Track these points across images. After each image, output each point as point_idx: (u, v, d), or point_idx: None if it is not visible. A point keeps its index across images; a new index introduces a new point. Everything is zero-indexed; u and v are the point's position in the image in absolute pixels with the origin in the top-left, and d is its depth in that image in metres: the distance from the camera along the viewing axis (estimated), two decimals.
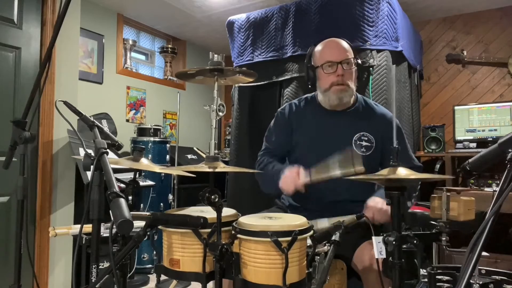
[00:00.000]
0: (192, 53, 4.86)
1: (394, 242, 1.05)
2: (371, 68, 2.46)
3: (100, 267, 1.26)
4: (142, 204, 3.33)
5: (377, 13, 2.48)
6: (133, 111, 4.15)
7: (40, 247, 2.39)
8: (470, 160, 1.02)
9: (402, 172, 1.09)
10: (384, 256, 1.17)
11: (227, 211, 1.30)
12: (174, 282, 2.73)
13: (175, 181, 3.40)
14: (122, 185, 1.41)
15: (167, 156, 3.67)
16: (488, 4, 3.52)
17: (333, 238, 1.20)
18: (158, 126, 3.76)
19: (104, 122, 3.54)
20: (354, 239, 1.49)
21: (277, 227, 1.13)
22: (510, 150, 0.87)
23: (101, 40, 3.81)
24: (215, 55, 1.40)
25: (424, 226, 1.23)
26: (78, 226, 1.50)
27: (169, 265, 1.24)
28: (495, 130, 3.16)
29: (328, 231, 1.23)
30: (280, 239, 1.09)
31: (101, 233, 1.09)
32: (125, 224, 0.84)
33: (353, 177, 1.20)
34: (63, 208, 2.51)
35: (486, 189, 2.70)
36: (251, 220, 1.19)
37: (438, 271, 1.25)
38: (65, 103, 1.56)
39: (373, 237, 1.22)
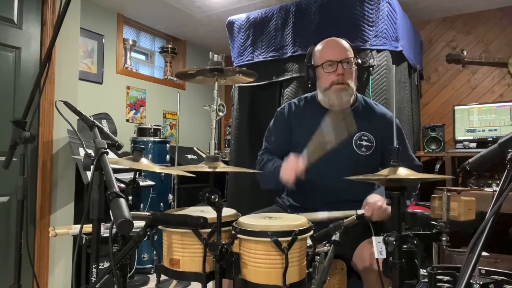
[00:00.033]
0: (192, 53, 4.86)
1: (394, 242, 1.05)
2: (371, 68, 2.46)
3: (100, 267, 1.26)
4: (142, 204, 3.33)
5: (377, 13, 2.48)
6: (133, 111, 4.15)
7: (40, 247, 2.39)
8: (470, 160, 1.02)
9: (402, 172, 1.09)
10: (384, 256, 1.17)
11: (227, 211, 1.30)
12: (174, 282, 2.73)
13: (175, 181, 3.40)
14: (122, 185, 1.41)
15: (167, 156, 3.67)
16: (488, 4, 3.52)
17: (333, 238, 1.20)
18: (158, 126, 3.76)
19: (104, 122, 3.54)
20: (354, 238, 1.49)
21: (277, 227, 1.13)
22: (510, 150, 0.87)
23: (101, 40, 3.81)
24: (215, 55, 1.40)
25: (424, 226, 1.23)
26: (78, 226, 1.50)
27: (169, 265, 1.24)
28: (495, 130, 3.16)
29: (328, 231, 1.23)
30: (280, 239, 1.09)
31: (101, 233, 1.09)
32: (125, 224, 0.84)
33: (353, 178, 1.20)
34: (63, 208, 2.51)
35: (486, 189, 2.70)
36: (251, 220, 1.19)
37: (438, 271, 1.25)
38: (65, 103, 1.56)
39: (373, 237, 1.22)
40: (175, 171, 1.99)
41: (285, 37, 2.83)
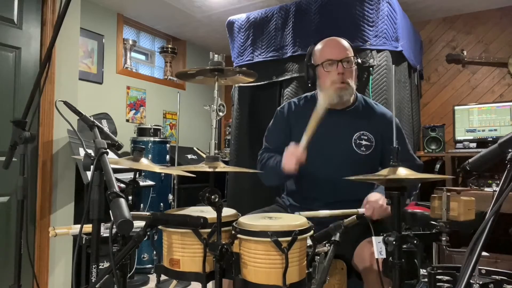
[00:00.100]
0: (192, 53, 4.86)
1: (394, 242, 1.05)
2: (371, 68, 2.46)
3: (100, 267, 1.26)
4: (142, 204, 3.33)
5: (377, 13, 2.48)
6: (133, 111, 4.15)
7: (40, 247, 2.39)
8: (470, 160, 1.02)
9: (402, 172, 1.09)
10: (384, 256, 1.17)
11: (227, 211, 1.30)
12: (174, 282, 2.73)
13: (175, 181, 3.40)
14: (122, 185, 1.41)
15: (167, 156, 3.67)
16: (488, 4, 3.52)
17: (333, 238, 1.20)
18: (158, 126, 3.76)
19: (104, 122, 3.54)
20: (354, 238, 1.49)
21: (277, 227, 1.13)
22: (510, 150, 0.87)
23: (101, 40, 3.81)
24: (215, 55, 1.40)
25: (424, 226, 1.23)
26: (78, 226, 1.50)
27: (169, 265, 1.24)
28: (495, 130, 3.16)
29: (328, 231, 1.23)
30: (280, 239, 1.09)
31: (101, 233, 1.09)
32: (125, 224, 0.84)
33: (353, 178, 1.20)
34: (63, 208, 2.51)
35: (486, 189, 2.70)
36: (251, 220, 1.19)
37: (438, 271, 1.25)
38: (65, 103, 1.56)
39: (373, 237, 1.22)
40: (175, 171, 1.99)
41: (285, 37, 2.83)
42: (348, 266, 1.51)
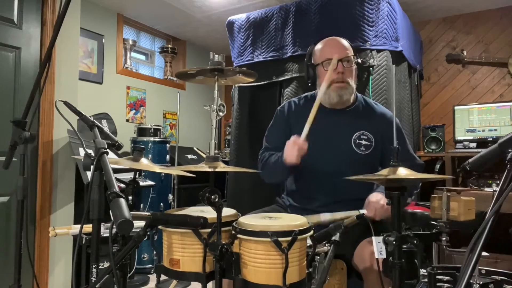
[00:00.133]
0: (192, 53, 4.86)
1: (394, 242, 1.05)
2: (371, 68, 2.46)
3: (100, 267, 1.26)
4: (142, 204, 3.33)
5: (377, 13, 2.48)
6: (133, 111, 4.14)
7: (40, 247, 2.39)
8: (470, 160, 1.02)
9: (402, 172, 1.09)
10: (384, 256, 1.17)
11: (227, 211, 1.30)
12: (174, 282, 2.73)
13: (175, 181, 3.40)
14: (122, 185, 1.41)
15: (167, 156, 3.67)
16: (488, 4, 3.52)
17: (333, 238, 1.20)
18: (158, 126, 3.76)
19: (104, 122, 3.54)
20: (354, 238, 1.49)
21: (277, 227, 1.13)
22: (510, 150, 0.87)
23: (101, 40, 3.81)
24: (215, 55, 1.40)
25: (424, 226, 1.23)
26: (78, 226, 1.50)
27: (169, 265, 1.24)
28: (495, 130, 3.16)
29: (328, 231, 1.23)
30: (280, 239, 1.09)
31: (101, 233, 1.09)
32: (125, 224, 0.84)
33: (353, 178, 1.20)
34: (63, 208, 2.51)
35: (486, 189, 2.70)
36: (251, 220, 1.19)
37: (438, 271, 1.25)
38: (65, 103, 1.56)
39: (373, 237, 1.22)
40: (175, 171, 1.99)
41: (285, 37, 2.83)
42: (348, 266, 1.51)
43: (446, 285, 1.23)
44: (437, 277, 1.24)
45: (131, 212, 0.88)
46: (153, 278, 3.15)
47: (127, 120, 4.06)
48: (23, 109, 1.41)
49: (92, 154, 1.12)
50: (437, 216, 1.14)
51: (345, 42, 1.75)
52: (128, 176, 1.70)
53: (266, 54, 2.91)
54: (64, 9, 1.30)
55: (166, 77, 4.62)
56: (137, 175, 1.53)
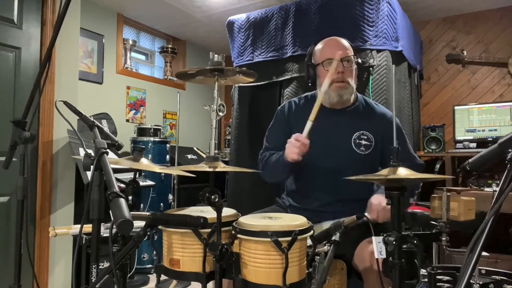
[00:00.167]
0: (192, 53, 4.86)
1: (394, 242, 1.05)
2: (371, 68, 2.46)
3: (100, 267, 1.26)
4: (142, 204, 3.33)
5: (377, 13, 2.48)
6: (133, 111, 4.14)
7: (40, 247, 2.39)
8: (470, 160, 1.02)
9: (402, 172, 1.09)
10: (384, 256, 1.17)
11: (227, 211, 1.30)
12: (174, 282, 2.73)
13: (175, 181, 3.40)
14: (122, 185, 1.41)
15: (167, 156, 3.67)
16: (488, 4, 3.52)
17: (333, 238, 1.20)
18: (158, 126, 3.76)
19: (104, 122, 3.54)
20: (354, 238, 1.49)
21: (277, 227, 1.13)
22: (510, 150, 0.87)
23: (101, 40, 3.81)
24: (215, 55, 1.40)
25: (424, 226, 1.23)
26: (78, 226, 1.50)
27: (169, 265, 1.24)
28: (495, 130, 3.16)
29: (328, 231, 1.23)
30: (280, 239, 1.09)
31: (101, 233, 1.09)
32: (125, 224, 0.84)
33: (353, 178, 1.20)
34: (63, 208, 2.51)
35: (486, 189, 2.70)
36: (251, 220, 1.19)
37: (438, 271, 1.25)
38: (65, 103, 1.56)
39: (373, 237, 1.22)
40: (175, 171, 1.99)
41: (285, 37, 2.83)
42: (348, 266, 1.51)
43: (446, 285, 1.23)
44: (437, 277, 1.24)
45: (131, 212, 0.88)
46: (153, 278, 3.15)
47: (127, 120, 4.06)
48: (23, 109, 1.41)
49: (92, 154, 1.12)
50: (437, 216, 1.14)
51: (345, 42, 1.75)
52: (128, 176, 1.70)
53: (266, 54, 2.91)
54: (64, 9, 1.30)
55: (166, 77, 4.62)
56: (137, 175, 1.53)
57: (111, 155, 1.20)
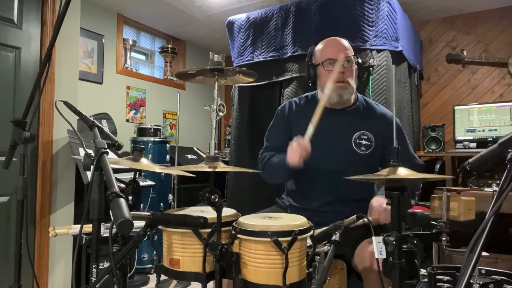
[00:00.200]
0: (192, 53, 4.86)
1: (394, 242, 1.05)
2: (371, 68, 2.46)
3: (100, 267, 1.26)
4: (142, 204, 3.33)
5: (377, 13, 2.48)
6: (133, 111, 4.14)
7: (40, 247, 2.39)
8: (470, 160, 1.02)
9: (402, 172, 1.09)
10: (384, 256, 1.17)
11: (227, 211, 1.30)
12: (174, 282, 2.73)
13: (175, 181, 3.40)
14: (122, 185, 1.41)
15: (167, 156, 3.67)
16: (488, 4, 3.52)
17: (333, 238, 1.20)
18: (158, 126, 3.76)
19: (104, 122, 3.54)
20: (354, 238, 1.49)
21: (277, 227, 1.13)
22: (510, 150, 0.87)
23: (101, 40, 3.81)
24: (215, 55, 1.40)
25: (424, 226, 1.23)
26: (78, 226, 1.50)
27: (169, 265, 1.24)
28: (495, 130, 3.16)
29: (328, 231, 1.23)
30: (280, 239, 1.09)
31: (101, 233, 1.09)
32: (125, 224, 0.84)
33: (353, 178, 1.20)
34: (63, 208, 2.51)
35: (486, 189, 2.70)
36: (251, 220, 1.19)
37: (438, 271, 1.25)
38: (65, 103, 1.56)
39: (373, 237, 1.22)
40: (175, 171, 1.99)
41: (285, 37, 2.83)
42: (348, 266, 1.51)
43: (446, 285, 1.23)
44: (437, 277, 1.24)
45: (131, 212, 0.88)
46: (153, 278, 3.15)
47: (127, 120, 4.06)
48: (23, 109, 1.41)
49: (92, 154, 1.12)
50: (437, 216, 1.14)
51: (345, 42, 1.75)
52: (128, 176, 1.70)
53: (266, 54, 2.91)
54: (64, 9, 1.30)
55: (166, 77, 4.62)
56: (137, 175, 1.53)
57: (111, 155, 1.20)
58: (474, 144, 3.20)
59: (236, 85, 2.99)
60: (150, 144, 3.56)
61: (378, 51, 2.49)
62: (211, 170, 1.15)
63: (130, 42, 4.13)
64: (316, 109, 1.54)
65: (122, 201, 0.89)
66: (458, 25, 3.73)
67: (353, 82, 1.72)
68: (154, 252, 3.29)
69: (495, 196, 0.79)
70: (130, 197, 1.43)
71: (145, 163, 1.40)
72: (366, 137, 1.71)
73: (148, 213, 1.13)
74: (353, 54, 1.73)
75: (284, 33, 2.84)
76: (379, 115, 1.78)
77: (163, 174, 3.50)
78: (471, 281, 1.11)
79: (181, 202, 3.52)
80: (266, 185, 1.94)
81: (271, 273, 1.11)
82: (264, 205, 1.82)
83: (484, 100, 3.53)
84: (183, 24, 4.24)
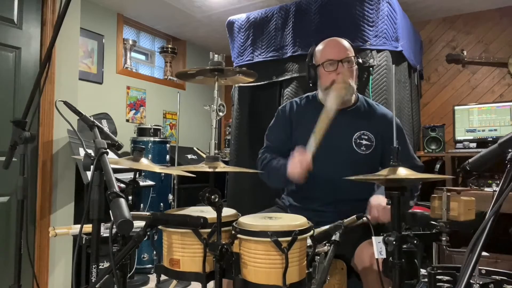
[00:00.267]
0: (192, 53, 4.86)
1: (394, 242, 1.05)
2: (371, 68, 2.46)
3: (100, 267, 1.26)
4: (142, 204, 3.33)
5: (377, 13, 2.49)
6: (133, 111, 4.14)
7: (40, 247, 2.39)
8: (470, 160, 1.02)
9: (402, 172, 1.09)
10: (384, 256, 1.17)
11: (227, 211, 1.30)
12: (174, 282, 2.73)
13: (175, 181, 3.40)
14: (122, 185, 1.41)
15: (167, 156, 3.67)
16: (488, 4, 3.52)
17: (333, 238, 1.20)
18: (158, 126, 3.76)
19: (104, 122, 3.54)
20: (354, 238, 1.48)
21: (277, 227, 1.13)
22: (510, 150, 0.87)
23: (101, 40, 3.81)
24: (215, 55, 1.40)
25: (424, 226, 1.23)
26: (78, 226, 1.50)
27: (169, 265, 1.24)
28: (495, 130, 3.16)
29: (328, 231, 1.23)
30: (280, 239, 1.09)
31: (101, 233, 1.09)
32: (125, 224, 0.84)
33: (353, 178, 1.20)
34: (63, 208, 2.51)
35: (486, 189, 2.70)
36: (251, 220, 1.19)
37: (438, 271, 1.25)
38: (65, 103, 1.56)
39: (373, 237, 1.22)
40: (175, 171, 1.99)
41: (285, 37, 2.83)
42: (348, 266, 1.51)
43: (446, 285, 1.23)
44: (437, 277, 1.24)
45: (131, 212, 0.88)
46: (153, 278, 3.15)
47: (127, 120, 4.07)
48: (23, 109, 1.41)
49: (92, 154, 1.12)
50: (437, 216, 1.14)
51: (345, 42, 1.75)
52: (128, 176, 1.70)
53: (266, 54, 2.91)
54: (64, 9, 1.30)
55: (166, 77, 4.62)
56: (137, 175, 1.53)
57: (111, 155, 1.20)
58: (474, 144, 3.20)
59: (236, 85, 2.99)
60: (150, 144, 3.57)
61: (378, 51, 2.49)
62: (211, 170, 1.15)
63: (130, 42, 4.13)
64: (319, 122, 1.53)
65: (122, 201, 0.89)
66: (458, 25, 3.73)
67: (353, 83, 1.72)
68: (154, 252, 3.29)
69: (495, 196, 0.79)
70: (130, 197, 1.43)
71: (145, 163, 1.40)
72: (366, 137, 1.71)
73: (148, 213, 1.13)
74: (353, 54, 1.73)
75: (284, 33, 2.84)
76: (380, 115, 1.78)
77: (163, 174, 3.50)
78: (471, 281, 1.11)
79: (181, 202, 3.52)
80: (266, 185, 1.94)
81: (271, 273, 1.10)
82: (264, 205, 1.81)
83: (484, 100, 3.53)
84: (183, 24, 4.24)
